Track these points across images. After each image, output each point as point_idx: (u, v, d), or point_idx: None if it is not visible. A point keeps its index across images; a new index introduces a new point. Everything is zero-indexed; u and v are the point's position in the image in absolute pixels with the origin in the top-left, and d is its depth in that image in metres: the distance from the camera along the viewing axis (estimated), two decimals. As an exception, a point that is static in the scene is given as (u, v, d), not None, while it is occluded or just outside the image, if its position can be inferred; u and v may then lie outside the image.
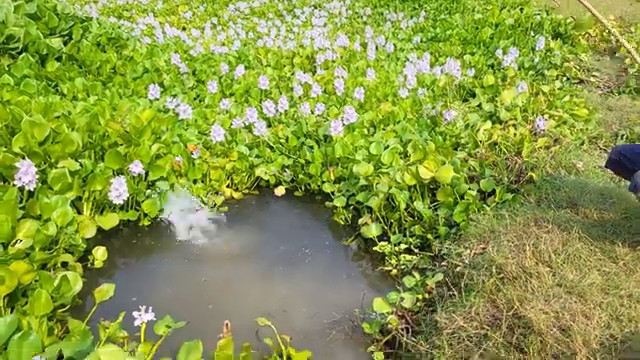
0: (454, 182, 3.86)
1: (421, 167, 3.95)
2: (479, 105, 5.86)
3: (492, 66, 7.68)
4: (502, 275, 2.58)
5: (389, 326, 2.85)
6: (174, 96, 6.27)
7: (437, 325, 2.58)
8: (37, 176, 3.60)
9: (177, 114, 5.43)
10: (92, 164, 4.17)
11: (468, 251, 3.00)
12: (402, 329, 2.83)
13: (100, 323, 2.75)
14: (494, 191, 3.77)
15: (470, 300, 2.50)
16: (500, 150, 4.27)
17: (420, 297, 2.97)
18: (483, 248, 3.00)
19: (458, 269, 2.93)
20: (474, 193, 3.73)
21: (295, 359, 2.57)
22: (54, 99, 5.10)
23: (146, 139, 4.52)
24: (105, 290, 2.71)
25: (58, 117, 4.44)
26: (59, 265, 3.39)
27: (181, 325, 2.75)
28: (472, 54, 8.17)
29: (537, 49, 7.89)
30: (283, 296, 3.32)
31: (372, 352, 2.84)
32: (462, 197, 3.78)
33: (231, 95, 6.59)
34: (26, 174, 3.51)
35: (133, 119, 4.59)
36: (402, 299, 2.95)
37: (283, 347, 2.65)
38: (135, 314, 2.72)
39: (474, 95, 6.38)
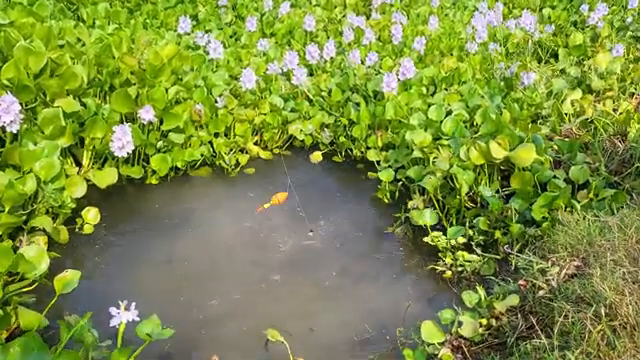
0: (535, 167, 3.04)
1: (493, 143, 3.12)
2: (562, 70, 4.91)
3: (575, 24, 6.60)
4: (615, 320, 1.81)
5: (440, 360, 2.14)
6: (208, 32, 5.52)
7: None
8: (22, 116, 2.97)
9: (207, 52, 4.70)
10: (97, 105, 3.51)
11: (556, 269, 2.22)
12: (457, 366, 2.12)
13: (63, 319, 2.15)
14: (587, 183, 2.94)
15: (567, 356, 1.74)
16: (595, 129, 3.39)
17: (484, 322, 2.24)
18: (578, 267, 2.22)
19: (541, 292, 2.16)
20: (562, 183, 2.90)
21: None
22: (67, 24, 4.41)
23: (164, 80, 3.82)
24: (68, 279, 2.08)
25: (62, 47, 3.77)
26: (42, 228, 2.79)
27: (168, 334, 2.10)
28: (552, 7, 7.06)
29: (629, 7, 6.78)
30: (303, 298, 2.63)
31: (413, 392, 2.15)
32: (544, 187, 2.96)
33: (272, 35, 5.79)
34: (7, 112, 2.86)
35: (151, 55, 3.88)
36: (460, 324, 2.22)
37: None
38: (112, 311, 2.09)
39: (555, 57, 5.40)
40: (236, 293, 2.63)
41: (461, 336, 2.21)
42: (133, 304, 2.11)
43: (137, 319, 2.11)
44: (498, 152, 3.11)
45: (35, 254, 2.23)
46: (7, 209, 2.55)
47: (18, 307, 2.16)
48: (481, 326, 2.23)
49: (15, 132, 2.95)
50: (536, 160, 3.02)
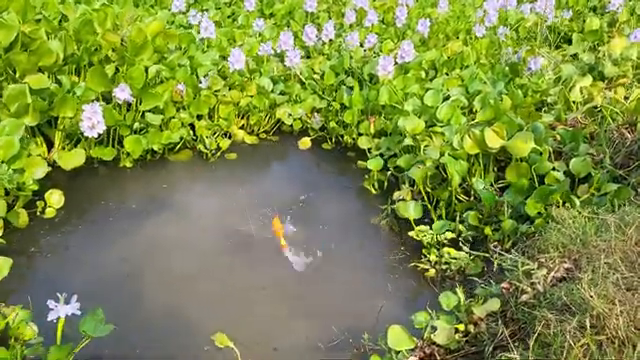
0: (533, 157, 2.78)
1: (488, 131, 2.87)
2: (574, 55, 4.60)
3: (594, 9, 6.23)
4: (602, 334, 1.56)
5: (408, 369, 1.92)
6: (205, 11, 5.30)
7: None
8: (-16, 92, 2.81)
9: (199, 32, 4.48)
10: (72, 83, 3.32)
11: (544, 271, 1.97)
12: (427, 376, 1.90)
13: (-2, 310, 1.98)
14: (589, 176, 2.67)
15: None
16: (603, 118, 3.10)
17: (461, 329, 2.01)
18: (568, 270, 1.97)
19: (525, 297, 1.92)
20: (561, 176, 2.64)
21: None
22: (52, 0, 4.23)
23: (145, 58, 3.62)
24: (-3, 268, 1.88)
25: (39, 21, 3.58)
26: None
27: (107, 330, 1.90)
28: (571, -8, 6.69)
29: (654, -7, 6.37)
30: (263, 295, 2.41)
31: (377, 405, 1.93)
32: (542, 180, 2.70)
33: (271, 16, 5.55)
34: (-35, 88, 2.69)
35: (134, 31, 3.68)
36: (434, 329, 1.99)
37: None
38: (50, 304, 1.91)
39: (569, 42, 5.08)
40: (203, 286, 2.43)
41: (434, 343, 1.98)
42: (74, 297, 1.93)
43: (78, 313, 1.93)
44: (494, 141, 2.86)
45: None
46: (-46, 190, 2.39)
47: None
48: (457, 332, 2.00)
49: (-24, 109, 2.78)
50: (534, 150, 2.75)
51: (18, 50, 3.20)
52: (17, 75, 3.16)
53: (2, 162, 2.64)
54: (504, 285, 2.03)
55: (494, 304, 1.97)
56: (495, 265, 2.38)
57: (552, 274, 1.94)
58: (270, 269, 2.56)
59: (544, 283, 1.93)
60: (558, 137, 2.98)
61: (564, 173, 2.69)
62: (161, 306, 2.30)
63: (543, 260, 2.06)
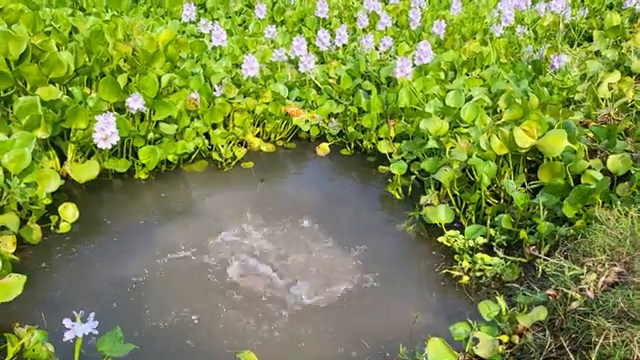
0: (567, 156, 2.64)
1: (518, 130, 2.74)
2: (597, 52, 4.46)
3: (610, 7, 6.09)
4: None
5: (450, 385, 1.78)
6: (215, 20, 5.23)
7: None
8: (-5, 104, 2.73)
9: (211, 41, 4.40)
10: (83, 94, 3.24)
11: (593, 276, 1.83)
12: (471, 393, 1.76)
13: (13, 330, 1.86)
14: (628, 175, 2.53)
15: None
16: (637, 113, 2.96)
17: (505, 340, 1.87)
18: (620, 274, 1.83)
19: (574, 305, 1.78)
20: (598, 175, 2.50)
21: None
22: (61, 12, 4.17)
23: (158, 67, 3.54)
24: (11, 285, 1.77)
25: (50, 33, 3.51)
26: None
27: (127, 350, 1.79)
28: (586, -10, 6.56)
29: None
30: (290, 306, 2.29)
31: None
32: (578, 180, 2.57)
33: (282, 23, 5.47)
34: (-26, 100, 2.61)
35: (146, 41, 3.61)
36: (476, 341, 1.85)
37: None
38: (67, 323, 1.79)
39: (590, 40, 4.94)
40: (223, 304, 2.30)
41: (477, 356, 1.84)
42: (92, 315, 1.82)
43: (95, 332, 1.81)
44: (524, 140, 2.73)
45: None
46: (-35, 205, 2.29)
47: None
48: (501, 344, 1.86)
49: (-13, 122, 2.70)
50: (568, 148, 2.62)
51: (28, 62, 3.12)
52: (28, 88, 3.07)
53: (14, 176, 2.55)
54: (550, 292, 1.89)
55: (541, 313, 1.84)
56: (536, 270, 2.24)
57: (602, 279, 1.80)
58: (298, 281, 2.44)
59: (594, 289, 1.79)
60: (592, 135, 2.84)
61: (601, 172, 2.56)
62: (180, 322, 2.18)
63: (590, 264, 1.92)
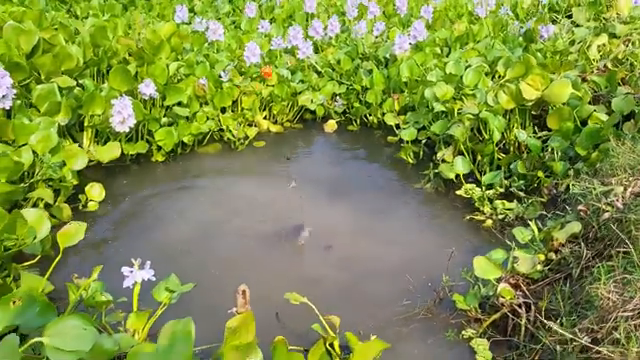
0: (572, 103, 2.78)
1: (523, 84, 2.88)
2: (578, 25, 4.66)
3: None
4: None
5: (498, 300, 1.88)
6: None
7: (588, 301, 1.59)
8: (15, 91, 2.76)
9: (207, 39, 4.48)
10: (95, 86, 3.29)
11: (620, 188, 1.95)
12: (517, 305, 1.85)
13: (71, 281, 1.90)
14: (632, 113, 2.68)
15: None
16: (632, 65, 3.13)
17: (542, 258, 1.97)
18: (645, 185, 1.95)
19: (606, 215, 1.90)
20: (604, 116, 2.65)
21: (359, 353, 1.62)
22: (62, 14, 4.24)
23: (164, 57, 3.61)
24: (73, 232, 1.83)
25: (56, 29, 3.57)
26: (41, 205, 2.54)
27: (189, 288, 1.84)
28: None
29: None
30: (334, 259, 2.36)
31: (470, 338, 1.88)
32: (584, 124, 2.71)
33: (272, 21, 5.58)
34: (-3, 86, 2.65)
35: (149, 33, 3.68)
36: (516, 259, 1.95)
37: (331, 332, 1.70)
38: (125, 270, 1.84)
39: (569, 17, 5.16)
40: (252, 266, 2.36)
41: (518, 273, 1.94)
42: (148, 262, 1.87)
43: (153, 279, 1.86)
44: (530, 93, 2.87)
45: (35, 217, 1.98)
46: (3, 180, 2.32)
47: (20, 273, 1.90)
48: (539, 262, 1.96)
49: (8, 109, 2.74)
50: (573, 95, 2.77)
51: (40, 54, 3.17)
52: (42, 78, 3.12)
53: (43, 155, 2.59)
54: (581, 207, 2.00)
55: (575, 227, 1.94)
56: (556, 207, 2.36)
57: (630, 189, 1.92)
58: (330, 237, 2.52)
59: (623, 200, 1.91)
60: (592, 85, 2.99)
61: (607, 114, 2.70)
62: (223, 274, 2.24)
63: (614, 181, 2.04)
